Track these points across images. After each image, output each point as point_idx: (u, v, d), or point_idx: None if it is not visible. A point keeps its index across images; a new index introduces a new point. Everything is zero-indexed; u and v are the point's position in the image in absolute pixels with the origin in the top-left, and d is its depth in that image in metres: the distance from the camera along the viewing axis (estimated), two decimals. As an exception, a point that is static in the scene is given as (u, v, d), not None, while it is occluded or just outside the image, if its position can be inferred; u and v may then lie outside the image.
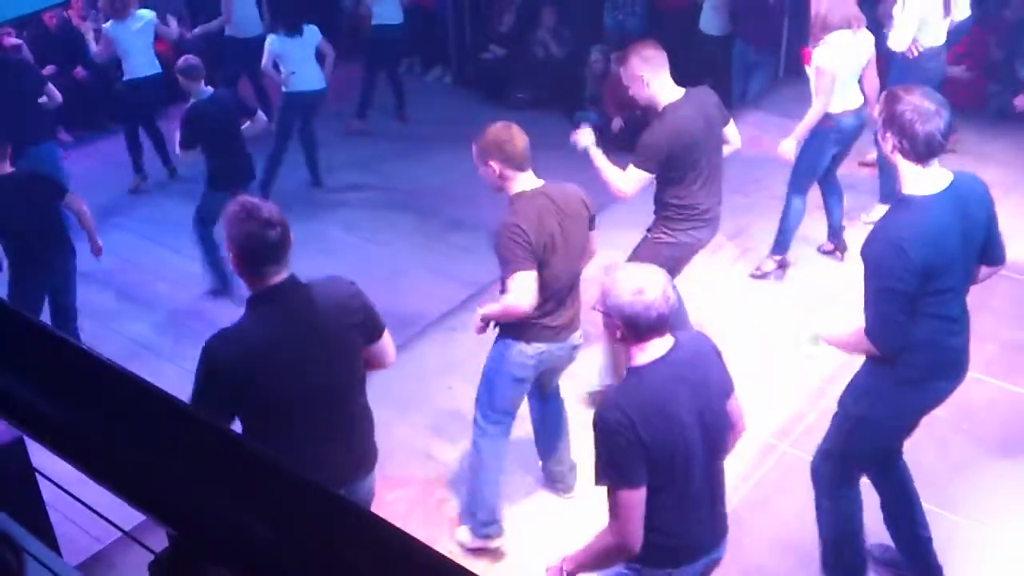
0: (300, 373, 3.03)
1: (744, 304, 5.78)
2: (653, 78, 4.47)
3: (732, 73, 8.64)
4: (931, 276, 3.25)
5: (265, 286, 3.02)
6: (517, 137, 3.86)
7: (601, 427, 2.82)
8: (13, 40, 8.06)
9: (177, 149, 6.64)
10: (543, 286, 3.86)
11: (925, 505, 4.28)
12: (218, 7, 9.07)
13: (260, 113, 6.91)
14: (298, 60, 7.98)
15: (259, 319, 3.04)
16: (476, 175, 3.98)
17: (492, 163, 3.83)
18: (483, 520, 4.28)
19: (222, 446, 1.13)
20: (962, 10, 6.18)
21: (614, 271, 2.97)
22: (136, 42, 8.15)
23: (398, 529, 1.00)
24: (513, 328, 4.00)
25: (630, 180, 4.57)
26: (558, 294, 3.96)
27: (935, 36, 6.08)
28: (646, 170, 4.54)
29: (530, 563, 4.02)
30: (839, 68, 5.32)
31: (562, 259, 3.90)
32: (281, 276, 3.03)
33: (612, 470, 2.83)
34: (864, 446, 3.70)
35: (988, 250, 3.49)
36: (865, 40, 5.48)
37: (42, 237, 5.77)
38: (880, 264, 3.27)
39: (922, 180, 3.29)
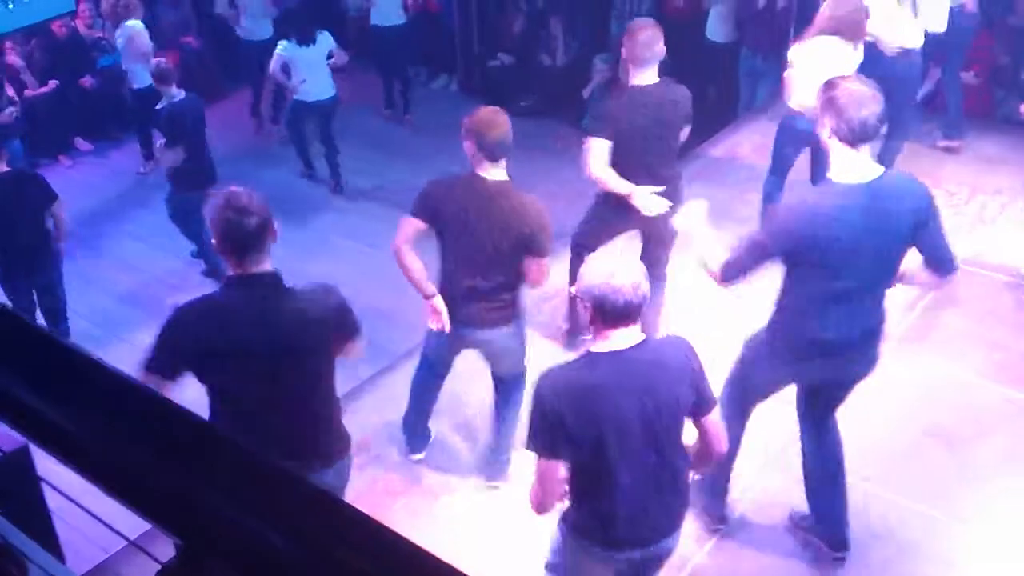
0: (255, 358, 3.11)
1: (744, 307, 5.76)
2: (631, 61, 4.64)
3: (738, 81, 8.64)
4: (817, 253, 3.38)
5: (244, 272, 3.10)
6: (499, 127, 3.97)
7: (536, 396, 2.92)
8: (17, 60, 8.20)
9: (157, 153, 6.91)
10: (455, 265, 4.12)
11: (932, 512, 4.27)
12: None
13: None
14: (309, 68, 8.04)
15: (229, 298, 3.16)
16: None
17: (468, 143, 3.99)
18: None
19: (229, 455, 1.13)
20: (937, 23, 6.12)
21: (593, 258, 2.99)
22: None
23: (405, 539, 1.00)
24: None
25: (590, 153, 4.67)
26: (465, 283, 4.13)
27: (902, 37, 5.98)
28: (598, 136, 4.65)
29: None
30: (810, 69, 5.25)
31: (470, 251, 4.04)
32: (261, 266, 3.10)
33: (536, 438, 2.92)
34: (735, 383, 3.93)
35: (926, 256, 3.51)
36: (857, 54, 5.39)
37: (31, 237, 5.86)
38: (770, 218, 3.55)
39: (850, 168, 3.37)
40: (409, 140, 9.45)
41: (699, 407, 3.01)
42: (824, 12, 5.36)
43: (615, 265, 2.87)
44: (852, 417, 4.04)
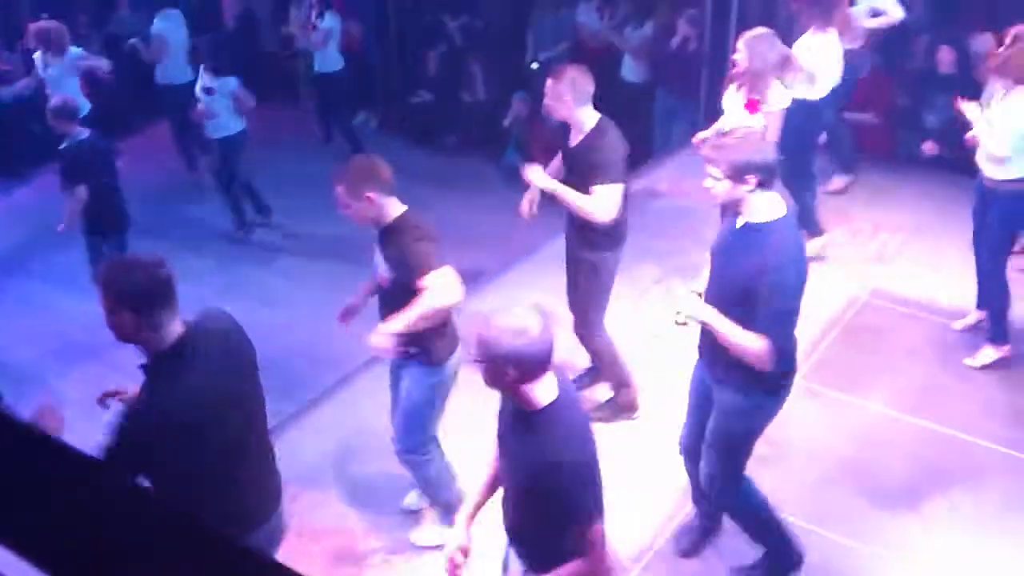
0: (222, 425, 2.91)
1: (668, 346, 5.89)
2: (577, 104, 4.63)
3: (654, 119, 8.88)
4: (799, 296, 3.54)
5: (162, 344, 2.82)
6: (382, 164, 3.98)
7: (570, 471, 2.83)
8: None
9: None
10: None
11: (846, 541, 4.42)
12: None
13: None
14: (220, 104, 7.95)
15: (168, 382, 2.84)
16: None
17: (369, 194, 3.87)
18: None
19: (142, 509, 1.12)
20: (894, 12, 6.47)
21: (487, 319, 2.90)
22: (69, 79, 8.04)
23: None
24: (434, 350, 4.08)
25: (609, 200, 4.62)
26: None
27: (825, 87, 6.29)
28: (619, 182, 4.65)
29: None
30: (784, 106, 5.54)
31: None
32: (177, 328, 2.85)
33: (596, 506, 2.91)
34: (740, 456, 3.93)
35: None
36: (789, 89, 5.67)
37: None
38: (785, 286, 3.45)
39: (774, 204, 3.53)
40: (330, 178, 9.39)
41: None
42: (768, 55, 5.54)
43: (521, 320, 2.83)
44: (766, 453, 4.17)
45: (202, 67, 8.01)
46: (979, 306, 5.76)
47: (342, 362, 5.97)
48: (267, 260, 8.03)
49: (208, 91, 7.88)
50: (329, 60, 9.46)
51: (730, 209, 3.69)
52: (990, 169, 5.28)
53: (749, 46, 5.49)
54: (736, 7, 8.29)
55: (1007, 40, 5.22)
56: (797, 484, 4.18)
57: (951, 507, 4.69)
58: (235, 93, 7.92)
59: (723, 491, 4.03)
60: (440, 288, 3.84)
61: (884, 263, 6.65)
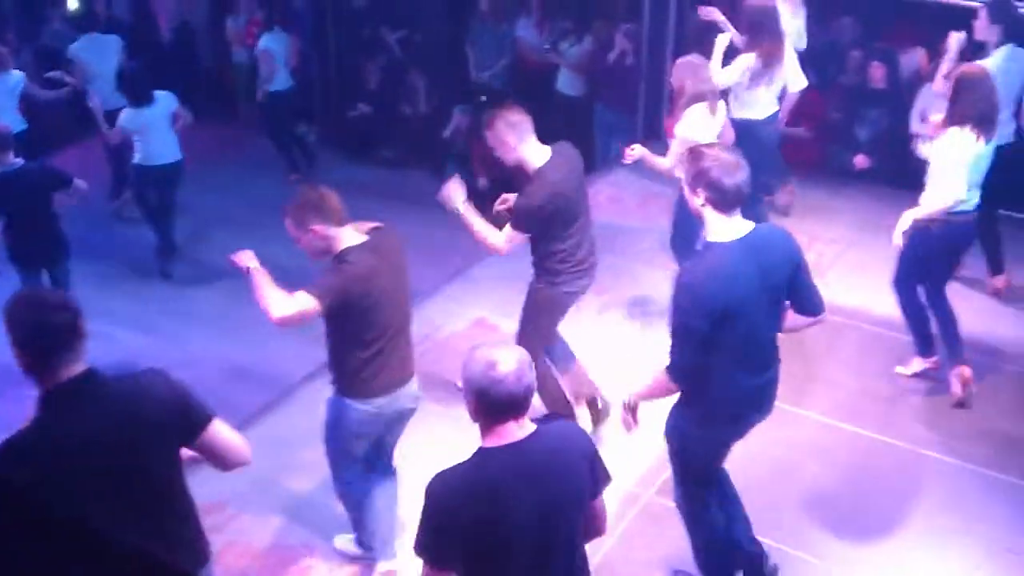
0: (103, 479, 2.71)
1: (604, 357, 5.93)
2: (520, 142, 4.60)
3: (593, 134, 8.95)
4: (727, 317, 3.47)
5: (58, 380, 2.72)
6: (330, 195, 3.93)
7: (427, 500, 2.73)
8: None
9: None
10: (373, 341, 3.96)
11: (773, 544, 4.47)
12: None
13: (79, 182, 6.47)
14: (151, 131, 7.61)
15: (53, 421, 2.72)
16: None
17: (314, 227, 3.84)
18: (369, 543, 4.44)
19: None
20: (796, 82, 6.51)
21: (475, 347, 2.85)
22: (8, 101, 7.86)
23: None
24: (348, 387, 4.07)
25: (508, 240, 4.70)
26: (388, 346, 4.03)
27: (762, 109, 6.39)
28: (524, 231, 4.68)
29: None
30: (698, 137, 5.55)
31: (390, 311, 3.99)
32: (76, 368, 2.74)
33: (424, 545, 2.74)
34: (688, 473, 3.98)
35: (799, 299, 3.75)
36: (720, 115, 5.73)
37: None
38: (679, 304, 3.51)
39: (725, 228, 3.55)
40: (267, 192, 9.26)
41: (596, 489, 2.93)
42: (683, 87, 5.62)
43: (496, 355, 2.74)
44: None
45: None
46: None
47: (276, 380, 5.94)
48: (204, 279, 7.92)
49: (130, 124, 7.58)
50: (277, 79, 9.33)
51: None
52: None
53: (674, 71, 5.68)
54: (673, 23, 8.41)
55: (951, 83, 5.22)
56: (738, 488, 4.23)
57: (887, 512, 4.78)
58: (174, 112, 7.70)
59: (680, 500, 4.10)
60: (284, 301, 3.82)
61: (819, 274, 6.74)
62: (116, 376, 2.84)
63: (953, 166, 5.02)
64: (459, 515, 2.70)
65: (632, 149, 5.69)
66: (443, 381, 5.62)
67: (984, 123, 5.01)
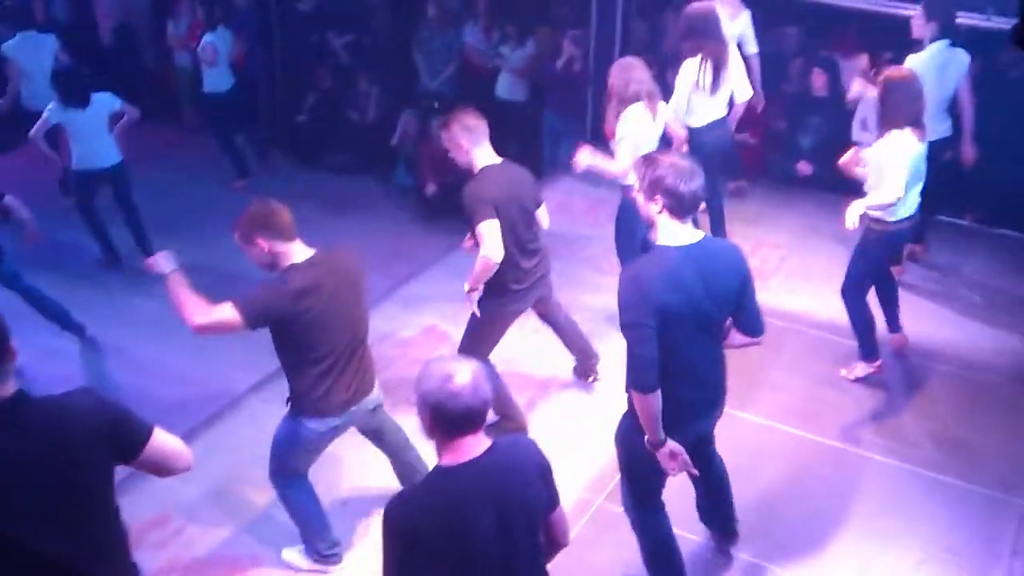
0: (32, 501, 2.64)
1: (556, 363, 5.96)
2: (473, 146, 4.68)
3: (539, 139, 8.99)
4: (670, 321, 3.48)
5: None
6: (280, 210, 3.91)
7: (388, 526, 2.70)
8: None
9: None
10: (322, 358, 3.95)
11: (733, 551, 4.55)
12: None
13: (9, 198, 6.18)
14: (87, 134, 7.41)
15: None
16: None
17: (260, 241, 3.85)
18: (321, 551, 4.44)
19: None
20: (742, 92, 6.60)
21: (430, 361, 2.79)
22: None
23: None
24: (302, 405, 4.06)
25: (487, 238, 4.60)
26: (340, 363, 4.02)
27: (703, 115, 6.41)
28: (490, 217, 4.59)
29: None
30: (638, 137, 5.61)
31: (339, 328, 3.97)
32: (5, 390, 2.64)
33: (389, 570, 2.73)
34: (634, 479, 4.00)
35: (743, 318, 3.79)
36: (661, 116, 5.76)
37: None
38: (626, 303, 3.52)
39: (674, 234, 3.58)
40: (214, 197, 9.15)
41: (552, 505, 2.93)
42: (620, 87, 5.61)
43: (451, 368, 2.69)
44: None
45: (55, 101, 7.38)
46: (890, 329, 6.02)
47: (223, 390, 5.88)
48: (146, 286, 7.76)
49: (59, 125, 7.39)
50: (219, 79, 9.21)
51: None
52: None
53: (612, 73, 5.69)
54: (620, 29, 8.47)
55: (879, 83, 5.33)
56: (679, 494, 4.27)
57: (831, 514, 4.87)
58: (115, 112, 7.54)
59: (628, 507, 4.12)
60: (204, 309, 3.82)
61: (764, 279, 6.87)
62: (45, 398, 2.72)
63: (893, 168, 5.13)
64: (423, 539, 2.66)
65: (580, 155, 5.67)
66: (394, 390, 5.60)
67: (917, 123, 5.15)
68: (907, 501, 4.96)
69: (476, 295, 4.83)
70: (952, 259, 7.07)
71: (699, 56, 6.21)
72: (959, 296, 6.69)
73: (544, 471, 2.88)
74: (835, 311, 6.20)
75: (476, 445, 2.72)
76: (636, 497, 4.07)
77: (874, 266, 5.64)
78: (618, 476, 4.20)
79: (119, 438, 2.77)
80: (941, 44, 6.21)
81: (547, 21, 9.39)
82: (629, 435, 3.85)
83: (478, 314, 4.89)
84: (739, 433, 5.38)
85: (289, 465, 4.27)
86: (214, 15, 9.43)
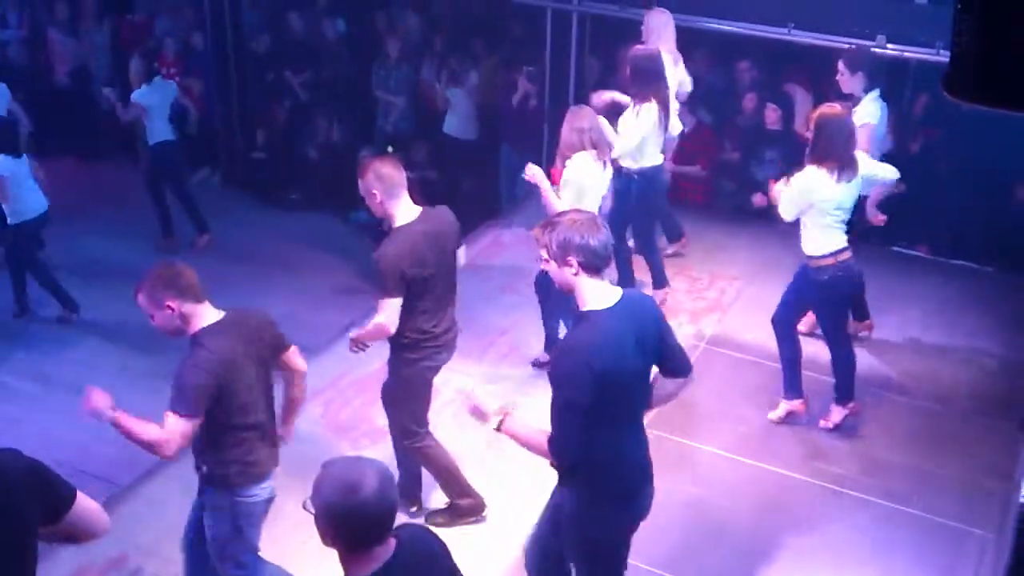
0: None
1: (517, 397, 5.91)
2: (387, 197, 4.40)
3: (497, 177, 9.02)
4: (612, 386, 3.31)
5: None
6: (185, 270, 3.77)
7: None
8: None
9: None
10: (252, 424, 3.83)
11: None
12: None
13: None
14: (21, 183, 7.37)
15: None
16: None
17: (170, 303, 3.69)
18: None
19: None
20: (675, 126, 6.68)
21: (327, 466, 2.55)
22: None
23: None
24: (239, 478, 3.90)
25: (386, 313, 4.44)
26: (257, 429, 3.89)
27: (655, 156, 6.49)
28: (393, 296, 4.40)
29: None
30: (584, 182, 5.58)
31: (253, 395, 3.84)
32: None
33: None
34: (597, 565, 3.74)
35: (669, 362, 3.63)
36: (608, 167, 5.74)
37: None
38: (563, 377, 3.32)
39: (599, 295, 3.39)
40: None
41: None
42: (567, 134, 5.61)
43: (355, 474, 2.46)
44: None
45: None
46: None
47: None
48: (101, 326, 7.73)
49: None
50: (157, 131, 8.75)
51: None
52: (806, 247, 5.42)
53: (565, 119, 5.69)
54: (574, 65, 8.55)
55: (811, 124, 5.39)
56: (642, 527, 4.24)
57: (794, 547, 4.85)
58: (34, 171, 7.49)
59: None
60: (166, 434, 3.64)
61: (722, 311, 6.90)
62: None
63: (791, 198, 5.24)
64: None
65: (533, 168, 5.61)
66: (351, 427, 5.55)
67: (844, 161, 5.15)
68: (869, 532, 4.96)
69: (358, 347, 4.67)
70: (908, 290, 7.13)
71: (651, 100, 6.24)
72: (915, 327, 6.74)
73: (446, 555, 2.76)
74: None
75: (383, 552, 2.52)
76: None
77: (802, 301, 5.58)
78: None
79: (44, 497, 2.63)
80: (876, 92, 6.15)
81: (499, 56, 9.47)
82: (582, 521, 3.58)
83: (356, 350, 4.70)
84: (700, 466, 5.37)
85: (241, 549, 4.02)
86: (151, 68, 9.00)
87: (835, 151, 5.14)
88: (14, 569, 2.60)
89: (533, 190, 6.19)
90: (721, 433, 5.63)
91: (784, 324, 5.62)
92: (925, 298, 7.07)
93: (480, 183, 9.17)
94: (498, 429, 3.54)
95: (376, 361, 5.73)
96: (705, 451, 5.48)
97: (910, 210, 6.93)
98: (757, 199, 8.10)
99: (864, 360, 6.09)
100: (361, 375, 6.20)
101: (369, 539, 2.48)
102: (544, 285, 5.84)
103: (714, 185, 8.55)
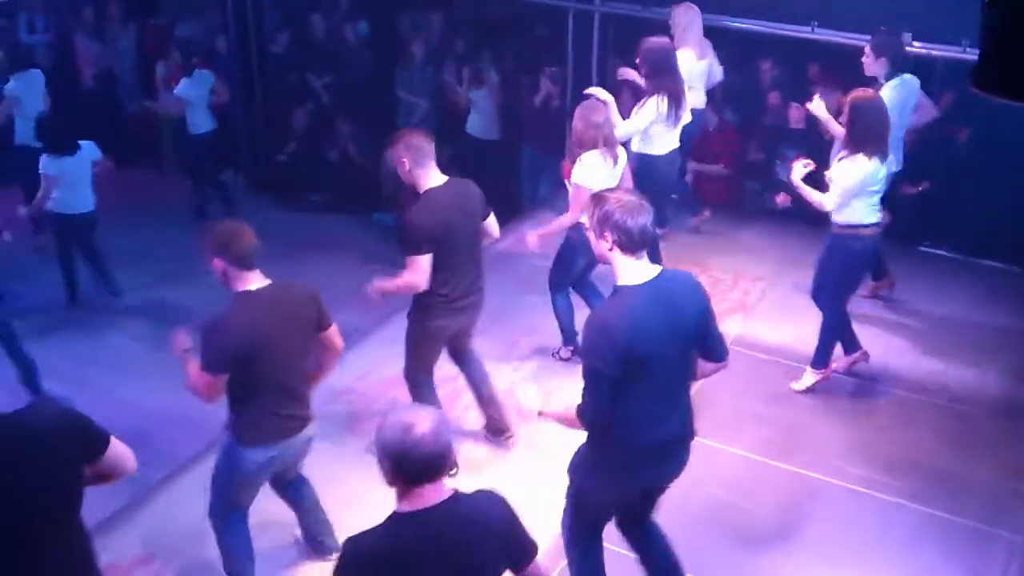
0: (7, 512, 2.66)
1: (525, 395, 5.91)
2: (415, 165, 4.75)
3: (519, 176, 9.02)
4: (637, 361, 3.46)
5: None
6: (244, 236, 3.99)
7: (340, 564, 2.74)
8: None
9: None
10: (260, 384, 4.00)
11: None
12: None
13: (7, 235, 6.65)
14: (72, 180, 7.65)
15: None
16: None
17: (217, 261, 3.95)
18: None
19: None
20: (687, 117, 6.73)
21: (389, 412, 2.80)
22: None
23: None
24: (243, 431, 4.10)
25: (415, 270, 4.73)
26: (285, 392, 4.09)
27: (662, 145, 6.58)
28: (422, 252, 4.70)
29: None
30: (594, 183, 5.59)
31: (280, 361, 4.02)
32: None
33: None
34: (578, 514, 3.94)
35: (706, 346, 3.77)
36: (620, 159, 5.78)
37: None
38: (589, 345, 3.54)
39: (633, 272, 3.56)
40: (194, 238, 9.15)
41: (520, 559, 2.92)
42: (580, 131, 5.67)
43: (412, 417, 2.71)
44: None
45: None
46: (847, 350, 6.04)
47: (203, 428, 5.82)
48: (124, 327, 7.81)
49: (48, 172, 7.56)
50: (199, 122, 9.31)
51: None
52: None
53: (575, 114, 5.79)
54: (596, 65, 8.53)
55: (846, 105, 5.49)
56: (667, 529, 4.23)
57: (817, 549, 4.81)
58: (95, 163, 7.72)
59: (568, 534, 4.04)
60: (196, 384, 3.98)
61: (745, 312, 6.86)
62: (9, 413, 2.75)
63: (838, 186, 5.40)
64: None
65: (529, 238, 6.00)
66: (373, 429, 5.54)
67: (882, 143, 5.35)
68: (893, 534, 4.92)
69: (379, 296, 4.93)
70: (932, 290, 7.07)
71: (661, 93, 6.38)
72: (941, 327, 6.67)
73: (508, 528, 2.87)
74: (816, 343, 6.19)
75: (436, 493, 2.73)
76: (577, 530, 3.99)
77: (839, 272, 5.73)
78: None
79: (86, 440, 2.82)
80: (898, 80, 6.24)
81: (521, 56, 9.47)
82: (582, 471, 3.82)
83: (374, 300, 4.97)
84: (721, 467, 5.34)
85: (226, 499, 4.28)
86: (191, 60, 9.49)
87: (874, 134, 5.32)
88: (63, 512, 2.77)
89: (557, 191, 6.28)
90: (744, 434, 5.60)
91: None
92: (951, 298, 7.00)
93: (502, 183, 9.17)
94: (541, 414, 3.96)
95: (398, 363, 5.77)
96: (728, 452, 5.45)
97: (935, 209, 6.87)
98: (780, 199, 8.06)
99: (889, 361, 6.05)
100: (385, 374, 6.21)
101: (424, 476, 2.69)
102: (562, 257, 6.04)
103: (737, 184, 8.51)
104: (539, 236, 5.95)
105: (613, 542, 4.22)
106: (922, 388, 6.05)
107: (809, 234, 7.52)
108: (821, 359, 5.89)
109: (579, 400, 3.59)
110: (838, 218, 5.55)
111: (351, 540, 2.75)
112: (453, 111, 9.59)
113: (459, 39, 10.01)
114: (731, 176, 8.45)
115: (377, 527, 2.76)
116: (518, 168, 9.16)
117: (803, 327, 6.49)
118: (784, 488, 5.25)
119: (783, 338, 6.50)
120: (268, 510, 4.61)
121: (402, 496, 2.74)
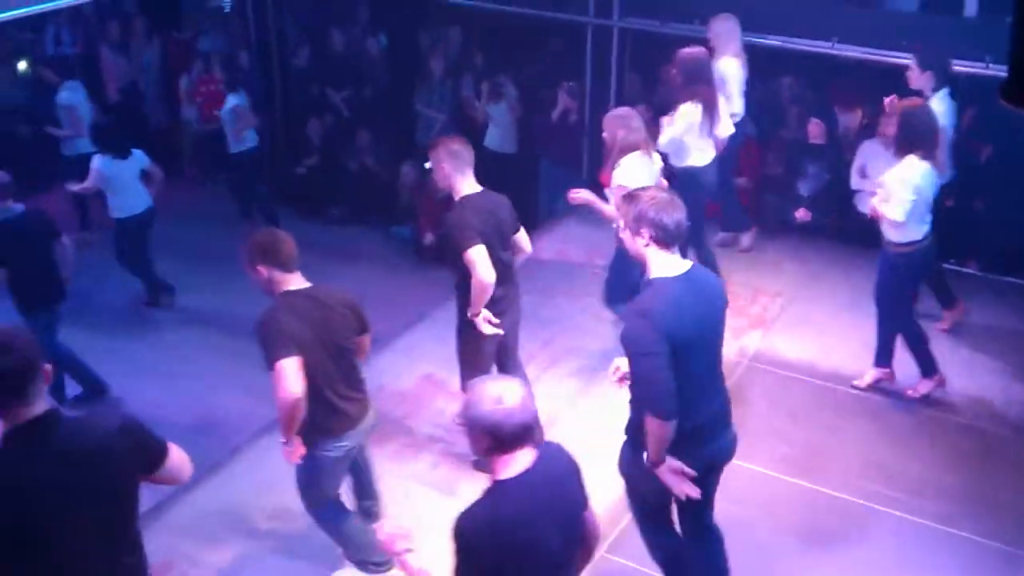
0: (59, 516, 2.76)
1: (551, 406, 5.88)
2: (454, 171, 4.87)
3: (537, 190, 9.02)
4: (677, 346, 3.58)
5: (19, 421, 2.74)
6: (284, 241, 4.13)
7: (458, 542, 2.82)
8: None
9: None
10: (316, 376, 4.06)
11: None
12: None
13: (66, 240, 6.77)
14: (126, 182, 7.90)
15: (10, 459, 2.75)
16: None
17: (260, 267, 4.07)
18: (375, 560, 4.53)
19: None
20: (726, 128, 6.70)
21: (476, 384, 2.94)
22: None
23: None
24: (312, 434, 4.17)
25: (476, 264, 4.72)
26: (343, 381, 4.20)
27: (700, 157, 6.54)
28: (476, 243, 4.72)
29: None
30: (635, 184, 5.60)
31: (331, 349, 4.12)
32: (35, 410, 2.75)
33: None
34: (645, 506, 4.05)
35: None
36: (656, 161, 5.87)
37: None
38: (632, 340, 3.63)
39: (667, 265, 3.70)
40: (219, 252, 9.14)
41: (584, 503, 3.08)
42: (620, 138, 5.73)
43: (501, 389, 2.85)
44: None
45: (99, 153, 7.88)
46: (877, 363, 5.98)
47: (225, 437, 5.87)
48: (145, 335, 7.87)
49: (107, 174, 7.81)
50: (241, 139, 9.46)
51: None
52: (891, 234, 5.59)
53: (606, 124, 5.87)
54: (615, 80, 8.53)
55: (897, 114, 5.56)
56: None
57: (840, 569, 4.76)
58: (145, 170, 7.95)
59: (643, 533, 4.17)
60: (282, 383, 3.95)
61: (764, 327, 6.81)
62: (75, 417, 2.90)
63: (901, 190, 5.36)
64: (492, 549, 2.78)
65: (577, 192, 5.96)
66: (392, 437, 5.54)
67: (929, 148, 5.41)
68: (916, 555, 4.85)
69: (482, 317, 4.90)
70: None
71: (696, 100, 6.38)
72: (967, 345, 6.59)
73: (578, 472, 3.03)
74: (837, 360, 6.15)
75: (529, 457, 2.87)
76: (647, 522, 4.09)
77: (899, 286, 5.75)
78: (617, 528, 4.13)
79: (146, 451, 2.94)
80: (943, 93, 6.24)
81: (539, 72, 9.48)
82: (630, 466, 3.92)
83: (493, 322, 4.94)
84: (741, 484, 5.27)
85: (316, 494, 4.39)
86: (235, 78, 9.76)
87: (923, 140, 5.38)
88: (119, 522, 2.91)
89: (578, 208, 6.30)
90: (764, 451, 5.54)
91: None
92: (975, 316, 6.91)
93: (520, 196, 9.13)
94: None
95: (417, 373, 5.81)
96: (747, 469, 5.38)
97: (960, 226, 6.80)
98: (800, 214, 8.02)
99: (911, 379, 5.98)
100: (403, 386, 6.21)
101: (516, 443, 2.83)
102: (616, 265, 6.10)
103: (757, 199, 8.47)
104: (586, 198, 5.94)
105: (628, 557, 4.21)
106: (947, 407, 5.97)
107: (828, 249, 7.49)
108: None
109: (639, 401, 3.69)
110: (895, 236, 5.54)
111: (464, 516, 2.83)
112: (471, 125, 9.58)
113: (478, 53, 10.03)
114: (751, 190, 8.41)
115: (482, 499, 2.86)
116: (536, 182, 9.16)
117: (822, 343, 6.45)
118: (804, 506, 5.19)
119: (802, 354, 6.45)
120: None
121: (500, 466, 2.86)
